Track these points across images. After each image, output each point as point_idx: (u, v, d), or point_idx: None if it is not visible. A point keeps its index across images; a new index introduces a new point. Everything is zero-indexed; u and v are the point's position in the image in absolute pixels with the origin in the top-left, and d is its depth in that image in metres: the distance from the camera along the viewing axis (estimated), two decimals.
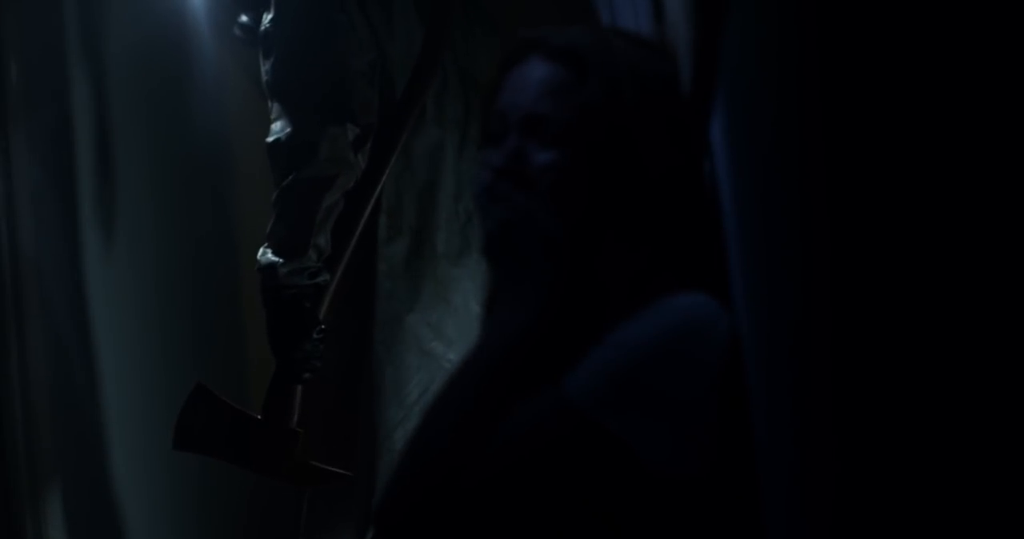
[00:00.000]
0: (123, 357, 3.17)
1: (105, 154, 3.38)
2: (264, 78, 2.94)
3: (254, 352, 3.01)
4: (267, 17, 2.94)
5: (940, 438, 1.41)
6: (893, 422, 1.43)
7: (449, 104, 3.01)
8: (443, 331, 2.94)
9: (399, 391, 2.90)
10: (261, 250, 2.88)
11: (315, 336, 2.86)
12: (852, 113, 1.45)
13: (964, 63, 1.41)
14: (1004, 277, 1.40)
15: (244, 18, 3.08)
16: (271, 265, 2.86)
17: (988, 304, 1.40)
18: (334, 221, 2.89)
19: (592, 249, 1.68)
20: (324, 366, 2.90)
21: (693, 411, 1.60)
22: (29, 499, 3.23)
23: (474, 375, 1.63)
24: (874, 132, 1.45)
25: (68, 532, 3.28)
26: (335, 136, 2.88)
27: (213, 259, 3.36)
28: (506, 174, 1.67)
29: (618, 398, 1.59)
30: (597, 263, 1.69)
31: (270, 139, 2.91)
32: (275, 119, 2.92)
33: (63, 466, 3.31)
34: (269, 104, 2.95)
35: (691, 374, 1.61)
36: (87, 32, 3.39)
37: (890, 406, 1.43)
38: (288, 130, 2.89)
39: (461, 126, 3.01)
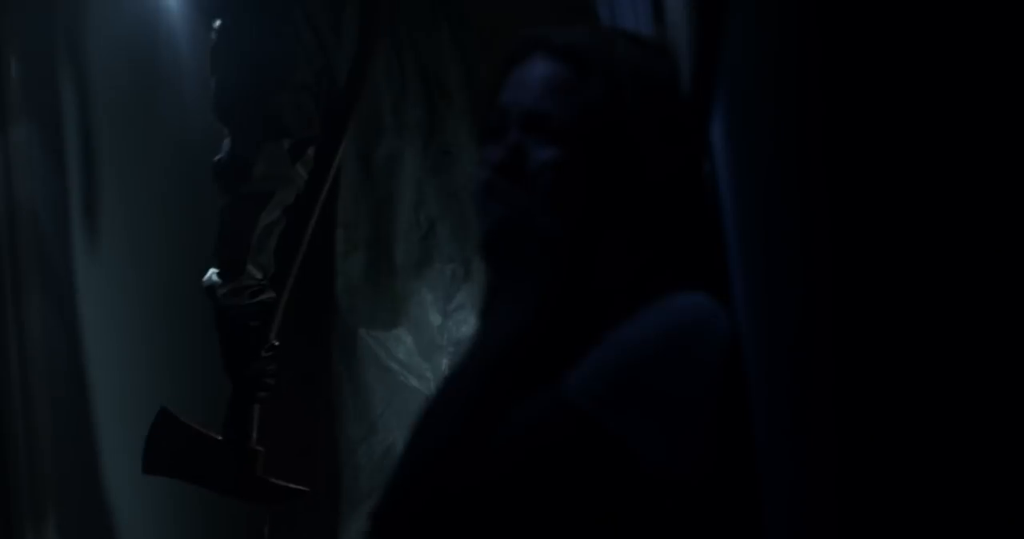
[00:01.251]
0: (124, 358, 3.17)
1: (94, 156, 3.38)
2: None
3: None
4: (214, 33, 2.92)
5: (942, 438, 1.41)
6: (894, 422, 1.43)
7: (409, 108, 2.97)
8: (402, 346, 2.92)
9: (360, 407, 2.88)
10: (209, 271, 2.87)
11: (265, 354, 2.84)
12: (852, 113, 1.45)
13: (965, 63, 1.41)
14: (1004, 277, 1.40)
15: (219, 22, 3.06)
16: (211, 286, 2.85)
17: (988, 304, 1.40)
18: (277, 238, 2.86)
19: (591, 248, 1.68)
20: (285, 383, 2.89)
21: (692, 410, 1.60)
22: (29, 502, 3.23)
23: (473, 375, 1.63)
24: (874, 132, 1.45)
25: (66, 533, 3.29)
26: (271, 153, 2.86)
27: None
28: (505, 171, 1.67)
29: (617, 397, 1.58)
30: (596, 262, 1.68)
31: (215, 158, 2.89)
32: (225, 137, 2.90)
33: (63, 469, 3.32)
34: None
35: (690, 373, 1.61)
36: (73, 33, 3.39)
37: (891, 406, 1.43)
38: (227, 148, 2.87)
39: (423, 131, 2.97)
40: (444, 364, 2.91)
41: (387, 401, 2.85)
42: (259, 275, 2.84)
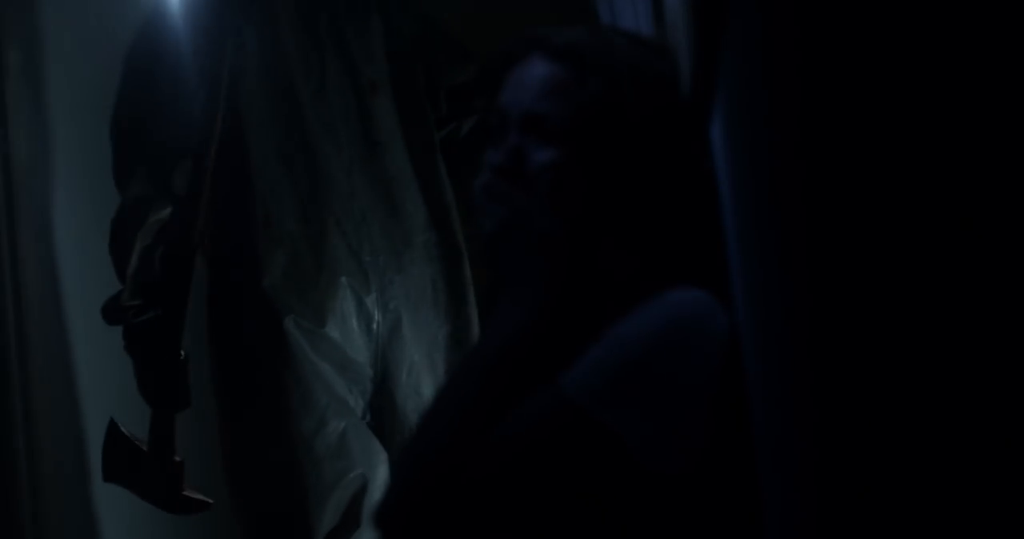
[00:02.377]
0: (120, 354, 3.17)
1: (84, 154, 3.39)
2: None
3: None
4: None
5: (939, 432, 1.41)
6: (894, 419, 1.43)
7: (332, 102, 2.94)
8: (330, 341, 2.91)
9: (307, 401, 2.87)
10: None
11: (171, 368, 2.83)
12: (852, 113, 1.46)
13: (965, 65, 1.42)
14: (1002, 275, 1.41)
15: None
16: (103, 306, 2.87)
17: (985, 300, 1.41)
18: (162, 258, 2.85)
19: (591, 248, 1.68)
20: (223, 387, 2.91)
21: (690, 406, 1.61)
22: (29, 501, 3.24)
23: (473, 373, 1.64)
24: (876, 132, 1.45)
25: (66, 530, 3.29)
26: (145, 172, 2.86)
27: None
28: (505, 173, 1.68)
29: (615, 393, 1.59)
30: (595, 262, 1.69)
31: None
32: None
33: (63, 469, 3.32)
34: None
35: (688, 369, 1.61)
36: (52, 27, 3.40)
37: (891, 403, 1.44)
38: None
39: (350, 124, 2.95)
40: (375, 357, 2.93)
41: (329, 393, 2.86)
42: (141, 293, 2.83)
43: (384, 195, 2.94)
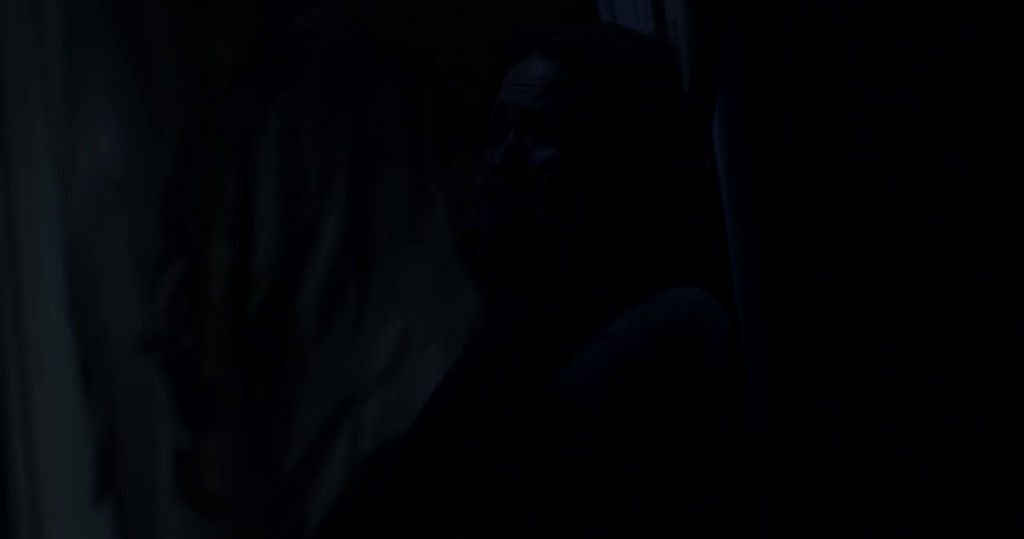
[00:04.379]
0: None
1: None
2: None
3: None
4: None
5: (939, 431, 1.42)
6: (893, 418, 1.44)
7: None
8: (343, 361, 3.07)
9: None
10: None
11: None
12: (850, 113, 1.46)
13: (960, 66, 1.42)
14: (1002, 268, 1.41)
15: None
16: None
17: (983, 296, 1.41)
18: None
19: (590, 247, 1.68)
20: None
21: (688, 405, 1.61)
22: (27, 500, 3.24)
23: (472, 371, 1.64)
24: (876, 132, 1.45)
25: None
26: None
27: None
28: (504, 171, 1.68)
29: (613, 390, 1.59)
30: (595, 261, 1.69)
31: None
32: None
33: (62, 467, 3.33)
34: None
35: (687, 368, 1.62)
36: None
37: (890, 402, 1.44)
38: None
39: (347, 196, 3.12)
40: (392, 381, 3.05)
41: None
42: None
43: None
